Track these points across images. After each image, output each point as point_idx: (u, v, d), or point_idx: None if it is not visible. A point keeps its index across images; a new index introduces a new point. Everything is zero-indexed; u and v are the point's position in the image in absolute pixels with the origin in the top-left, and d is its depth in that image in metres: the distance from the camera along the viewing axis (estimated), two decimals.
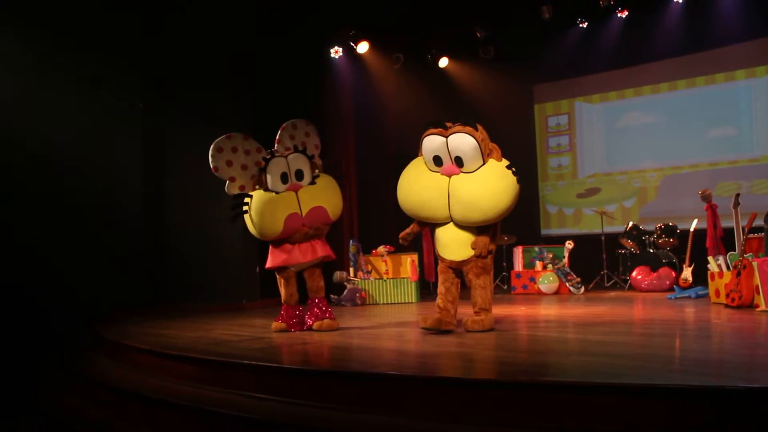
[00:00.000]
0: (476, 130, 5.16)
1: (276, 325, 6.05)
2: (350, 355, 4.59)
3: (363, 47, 11.55)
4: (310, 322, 6.04)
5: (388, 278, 9.83)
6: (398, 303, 9.53)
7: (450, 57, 12.96)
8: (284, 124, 6.11)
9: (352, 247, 10.13)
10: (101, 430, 4.40)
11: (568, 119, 13.32)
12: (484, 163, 5.16)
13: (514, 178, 5.13)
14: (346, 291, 9.56)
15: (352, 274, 9.91)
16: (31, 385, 5.91)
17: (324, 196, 5.96)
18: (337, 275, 9.75)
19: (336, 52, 11.53)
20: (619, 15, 11.96)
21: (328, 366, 4.04)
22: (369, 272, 9.93)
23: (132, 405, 4.41)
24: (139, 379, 4.82)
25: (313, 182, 5.96)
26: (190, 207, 9.42)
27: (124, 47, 9.24)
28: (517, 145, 13.37)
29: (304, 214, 5.83)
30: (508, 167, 5.15)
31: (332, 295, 9.74)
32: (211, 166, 5.82)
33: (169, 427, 3.99)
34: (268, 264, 6.04)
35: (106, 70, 8.97)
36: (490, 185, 5.09)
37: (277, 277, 6.13)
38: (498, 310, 7.53)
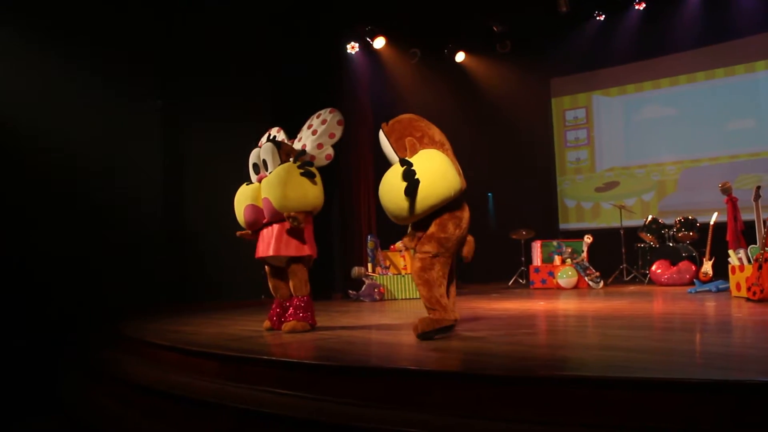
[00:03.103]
0: (387, 127, 4.99)
1: (265, 322, 5.95)
2: (370, 351, 4.60)
3: (380, 42, 11.57)
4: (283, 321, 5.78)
5: (406, 273, 9.84)
6: (417, 298, 9.50)
7: (467, 51, 12.96)
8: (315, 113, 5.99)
9: (370, 242, 10.15)
10: (124, 427, 4.44)
11: (586, 113, 13.27)
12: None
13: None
14: (364, 286, 9.58)
15: (370, 269, 9.94)
16: (54, 383, 5.96)
17: (269, 187, 5.51)
18: (356, 271, 9.78)
19: (353, 47, 11.54)
20: (636, 7, 11.93)
21: (348, 361, 4.04)
22: (387, 267, 9.95)
23: (154, 401, 4.43)
24: (160, 375, 4.83)
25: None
26: (209, 205, 9.46)
27: (143, 45, 9.27)
28: (534, 139, 13.42)
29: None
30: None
31: (350, 291, 9.77)
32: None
33: (191, 423, 4.01)
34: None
35: (125, 69, 9.00)
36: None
37: None
38: (517, 305, 7.53)
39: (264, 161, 5.67)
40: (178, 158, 9.79)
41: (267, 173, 5.64)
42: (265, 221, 5.67)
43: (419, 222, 4.78)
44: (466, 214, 4.82)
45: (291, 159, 5.65)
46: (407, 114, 5.06)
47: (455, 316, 4.75)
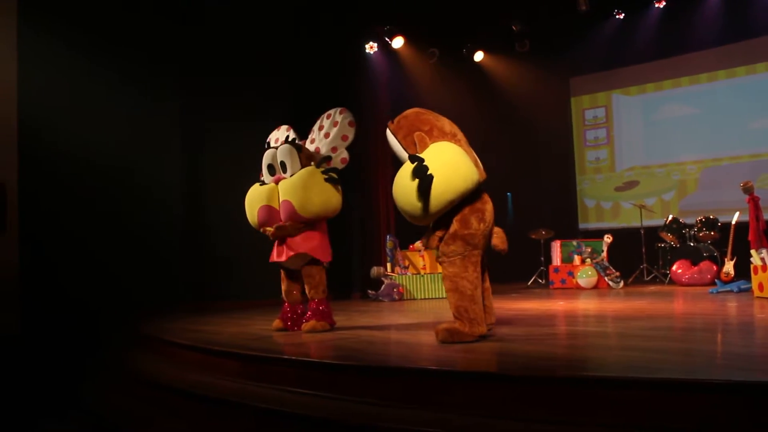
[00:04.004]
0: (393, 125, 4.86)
1: (275, 322, 5.93)
2: (389, 350, 4.61)
3: (398, 42, 11.59)
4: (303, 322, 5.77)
5: (425, 273, 9.85)
6: (436, 298, 9.54)
7: (485, 51, 12.94)
8: (324, 113, 5.92)
9: (389, 242, 10.17)
10: (145, 426, 4.46)
11: (606, 112, 13.21)
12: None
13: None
14: (383, 286, 9.59)
15: (389, 269, 9.95)
16: (77, 383, 6.02)
17: (292, 190, 5.46)
18: (375, 271, 9.79)
19: (371, 47, 11.56)
20: (656, 5, 11.85)
21: (369, 361, 4.05)
22: (406, 267, 9.96)
23: (175, 400, 4.47)
24: (181, 374, 4.87)
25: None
26: (229, 204, 9.50)
27: (163, 47, 9.33)
28: (553, 139, 13.37)
29: (280, 208, 5.61)
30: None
31: (370, 291, 9.79)
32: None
33: (212, 422, 4.04)
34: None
35: (145, 70, 9.06)
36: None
37: None
38: (536, 305, 7.52)
39: (282, 163, 5.63)
40: (198, 159, 9.84)
41: (285, 175, 5.62)
42: (280, 224, 5.60)
43: (439, 220, 4.55)
44: (488, 206, 4.61)
45: (312, 163, 5.63)
46: (412, 108, 4.87)
47: (481, 330, 4.50)
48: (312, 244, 5.63)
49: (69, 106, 8.16)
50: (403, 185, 4.50)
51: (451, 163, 4.41)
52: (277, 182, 5.64)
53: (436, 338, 4.52)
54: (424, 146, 4.57)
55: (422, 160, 4.41)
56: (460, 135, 4.70)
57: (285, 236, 5.59)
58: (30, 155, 7.77)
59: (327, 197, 5.53)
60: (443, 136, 4.61)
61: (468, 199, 4.48)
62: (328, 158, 5.74)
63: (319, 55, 10.52)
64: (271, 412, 3.67)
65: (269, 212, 5.62)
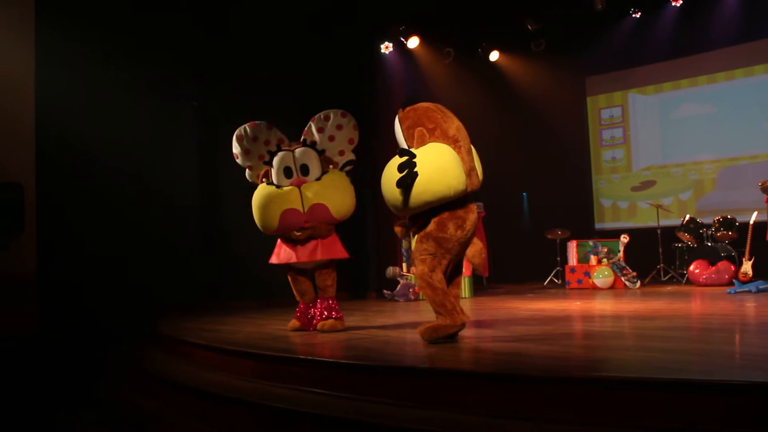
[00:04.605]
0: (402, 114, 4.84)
1: (291, 323, 5.93)
2: (405, 350, 4.60)
3: (413, 42, 11.59)
4: (315, 322, 5.82)
5: None
6: None
7: (501, 50, 12.91)
8: (315, 116, 5.79)
9: (405, 242, 10.16)
10: (161, 425, 4.49)
11: (622, 111, 13.15)
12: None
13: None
14: (399, 286, 9.59)
15: (405, 269, 9.94)
16: (94, 381, 6.06)
17: (327, 193, 5.54)
18: (390, 271, 9.79)
19: (387, 47, 11.57)
20: (673, 4, 11.79)
21: (385, 361, 4.05)
22: None
23: (191, 400, 4.49)
24: (196, 374, 4.89)
25: (319, 178, 5.63)
26: (245, 204, 9.52)
27: (179, 47, 9.36)
28: (569, 138, 13.33)
29: (305, 211, 5.54)
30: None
31: (385, 291, 9.79)
32: (233, 152, 5.92)
33: (228, 422, 4.05)
34: (271, 260, 5.88)
35: (161, 70, 9.09)
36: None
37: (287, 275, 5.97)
38: (552, 305, 7.50)
39: (304, 166, 5.62)
40: (214, 159, 9.86)
41: (307, 178, 5.61)
42: (305, 225, 5.57)
43: (418, 216, 4.62)
44: (471, 216, 4.59)
45: (331, 167, 5.71)
46: (426, 102, 4.83)
47: (463, 318, 4.54)
48: (338, 245, 5.75)
49: (85, 107, 8.19)
50: (390, 174, 4.56)
51: (439, 167, 4.42)
52: (297, 185, 5.60)
53: (422, 339, 4.58)
54: (422, 143, 4.59)
55: (413, 155, 4.45)
56: (463, 141, 4.63)
57: (315, 238, 5.61)
58: (47, 156, 7.83)
59: (353, 200, 5.73)
60: (444, 138, 4.58)
61: (450, 204, 4.50)
62: (352, 162, 5.82)
63: (335, 55, 10.54)
64: (288, 412, 3.68)
65: (295, 214, 5.55)
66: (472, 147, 4.75)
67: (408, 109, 4.82)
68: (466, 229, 4.54)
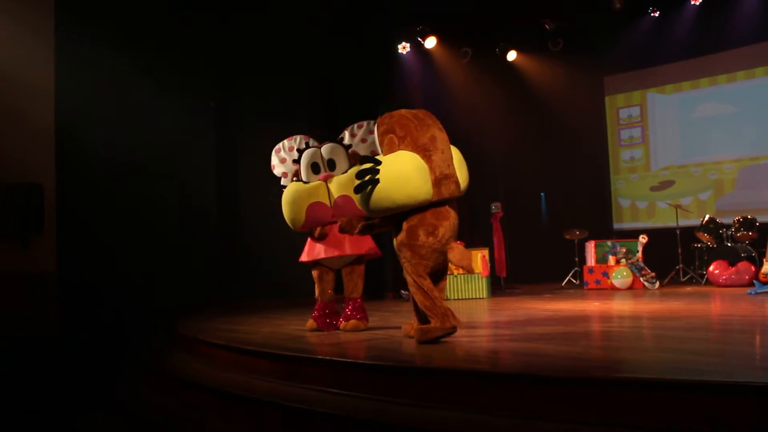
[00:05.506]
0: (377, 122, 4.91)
1: (309, 323, 5.93)
2: (423, 351, 4.59)
3: (431, 42, 11.59)
4: (340, 321, 5.82)
5: (458, 274, 9.81)
6: (469, 299, 9.50)
7: (518, 50, 12.86)
8: (353, 124, 5.89)
9: None
10: (179, 424, 4.52)
11: (641, 110, 13.07)
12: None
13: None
14: None
15: None
16: (113, 381, 6.10)
17: (353, 185, 5.51)
18: None
19: (404, 47, 11.57)
20: (692, 2, 11.70)
21: (403, 361, 4.06)
22: None
23: (209, 399, 4.52)
24: (216, 374, 4.92)
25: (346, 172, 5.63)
26: (262, 205, 9.57)
27: (198, 48, 9.41)
28: (588, 138, 13.26)
29: (332, 205, 5.59)
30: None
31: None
32: (271, 165, 6.02)
33: (246, 421, 4.07)
34: (301, 258, 5.89)
35: (179, 71, 9.15)
36: None
37: (312, 272, 5.96)
38: (571, 305, 7.47)
39: (330, 161, 5.68)
40: (231, 160, 9.91)
41: (334, 173, 5.65)
42: (332, 219, 5.63)
43: (388, 219, 4.76)
44: (446, 222, 4.58)
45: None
46: (404, 109, 4.82)
47: (453, 322, 4.53)
48: (368, 241, 5.82)
49: (104, 109, 8.26)
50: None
51: (401, 176, 4.46)
52: (324, 180, 5.65)
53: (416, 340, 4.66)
54: (390, 150, 4.64)
55: (377, 162, 4.49)
56: (435, 151, 4.60)
57: (347, 233, 5.64)
58: (66, 158, 7.91)
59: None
60: (414, 147, 4.60)
61: (419, 211, 4.55)
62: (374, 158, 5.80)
63: (352, 55, 10.56)
64: (304, 412, 3.70)
65: (322, 208, 5.61)
66: (457, 153, 4.79)
67: (385, 114, 4.86)
68: (439, 236, 4.57)
